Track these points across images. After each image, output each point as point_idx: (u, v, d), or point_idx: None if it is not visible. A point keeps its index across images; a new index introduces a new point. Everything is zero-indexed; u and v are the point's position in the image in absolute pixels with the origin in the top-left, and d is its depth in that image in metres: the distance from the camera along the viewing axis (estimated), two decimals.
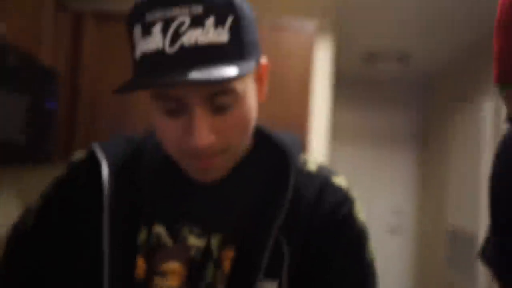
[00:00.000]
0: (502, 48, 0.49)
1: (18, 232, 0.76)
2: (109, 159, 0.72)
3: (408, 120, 4.51)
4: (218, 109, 0.62)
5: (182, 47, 0.57)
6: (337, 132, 4.03)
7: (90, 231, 0.68)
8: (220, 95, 0.61)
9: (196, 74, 0.55)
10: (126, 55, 2.13)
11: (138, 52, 0.60)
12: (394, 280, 4.38)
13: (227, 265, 0.67)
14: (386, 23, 2.84)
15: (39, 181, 2.39)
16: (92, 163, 0.72)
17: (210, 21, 0.57)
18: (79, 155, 0.77)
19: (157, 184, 0.74)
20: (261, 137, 0.77)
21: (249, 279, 0.64)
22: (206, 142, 0.60)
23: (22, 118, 1.79)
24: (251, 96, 0.66)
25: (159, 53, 0.57)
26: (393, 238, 4.45)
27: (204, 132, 0.60)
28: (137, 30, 0.60)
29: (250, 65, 0.61)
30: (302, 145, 0.81)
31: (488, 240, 0.69)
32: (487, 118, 3.03)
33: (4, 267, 0.75)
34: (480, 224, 3.00)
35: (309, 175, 0.74)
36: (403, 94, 4.45)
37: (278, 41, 2.30)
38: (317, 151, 2.55)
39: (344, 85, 4.03)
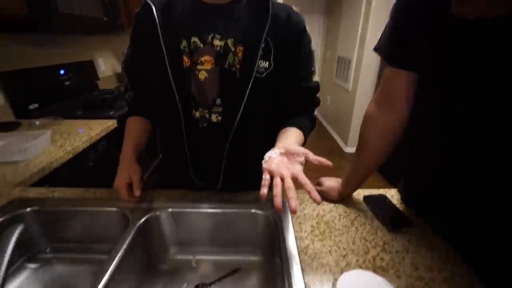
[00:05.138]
0: None
1: (127, 57, 0.72)
2: (155, 4, 0.61)
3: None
4: None
5: None
6: None
7: (154, 44, 0.60)
8: None
9: None
10: None
11: None
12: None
13: (240, 54, 0.61)
14: None
15: (122, 42, 2.31)
16: (147, 7, 0.61)
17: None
18: (137, 10, 0.66)
19: (187, 13, 0.63)
20: None
21: (252, 61, 0.60)
22: None
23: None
24: None
25: None
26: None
27: None
28: None
29: None
30: None
31: (381, 38, 0.54)
32: None
33: (127, 70, 0.74)
34: (352, 55, 2.93)
35: (280, 4, 0.65)
36: None
37: None
38: None
39: None
